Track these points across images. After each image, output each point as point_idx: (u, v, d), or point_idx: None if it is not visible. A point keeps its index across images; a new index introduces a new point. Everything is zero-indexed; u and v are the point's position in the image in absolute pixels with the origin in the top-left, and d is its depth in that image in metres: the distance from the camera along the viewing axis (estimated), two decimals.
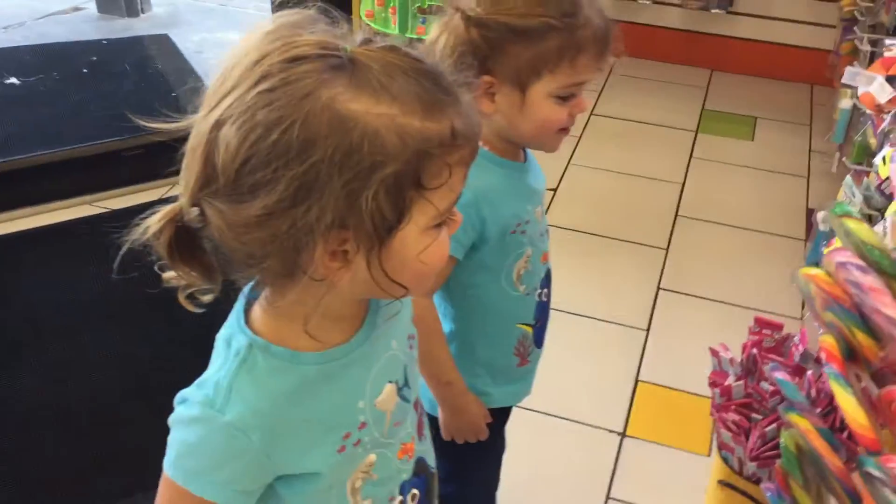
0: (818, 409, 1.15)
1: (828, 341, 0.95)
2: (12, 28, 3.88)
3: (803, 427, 1.00)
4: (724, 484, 1.36)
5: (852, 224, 0.90)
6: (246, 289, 0.79)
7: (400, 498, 0.88)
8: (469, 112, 0.73)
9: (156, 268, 0.73)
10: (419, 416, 0.91)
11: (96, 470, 1.78)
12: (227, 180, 0.66)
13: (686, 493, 1.71)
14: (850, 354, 0.97)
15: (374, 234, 0.68)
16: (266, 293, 0.77)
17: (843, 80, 1.11)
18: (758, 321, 1.40)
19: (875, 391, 0.94)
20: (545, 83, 1.04)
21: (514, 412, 1.36)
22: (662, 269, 2.42)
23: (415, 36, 2.39)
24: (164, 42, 3.63)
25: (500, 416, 1.31)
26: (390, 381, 0.84)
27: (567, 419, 1.94)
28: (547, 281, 1.25)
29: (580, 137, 3.01)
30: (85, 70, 3.30)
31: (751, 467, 1.28)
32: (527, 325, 1.23)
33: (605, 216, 2.62)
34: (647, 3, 3.36)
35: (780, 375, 1.04)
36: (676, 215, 2.64)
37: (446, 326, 1.21)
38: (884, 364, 1.00)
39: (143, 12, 4.11)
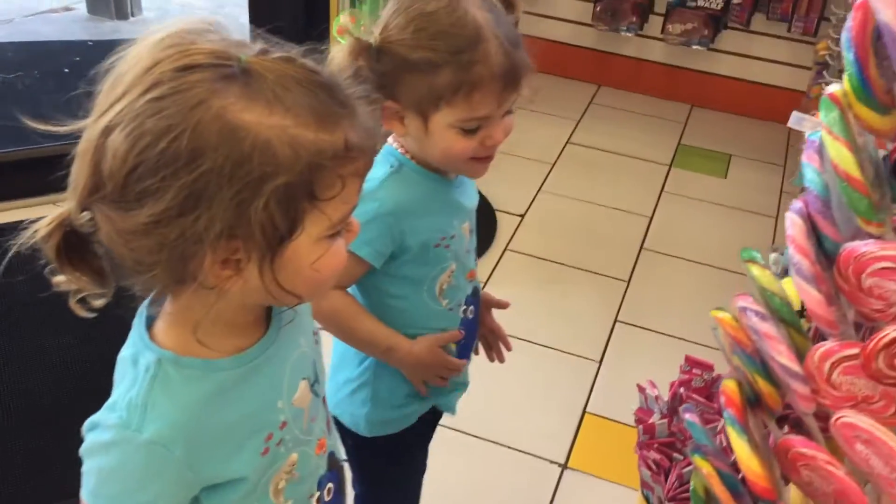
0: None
1: (729, 386, 0.94)
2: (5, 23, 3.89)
3: (706, 471, 0.99)
4: None
5: (755, 270, 0.90)
6: (144, 305, 0.79)
7: (318, 493, 0.90)
8: (364, 125, 0.74)
9: (46, 272, 0.73)
10: (326, 410, 0.92)
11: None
12: (115, 187, 0.66)
13: None
14: (756, 400, 0.97)
15: (265, 245, 0.68)
16: (166, 305, 0.77)
17: (790, 124, 1.10)
18: (688, 360, 1.39)
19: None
20: (444, 115, 1.04)
21: (456, 437, 1.35)
22: (621, 302, 2.41)
23: None
24: None
25: (421, 431, 1.30)
26: (303, 378, 0.85)
27: (509, 447, 1.93)
28: (474, 299, 1.25)
29: (553, 165, 3.01)
30: (66, 70, 3.29)
31: None
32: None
33: (570, 245, 2.62)
34: (630, 35, 3.37)
35: (689, 417, 1.03)
36: (641, 248, 2.64)
37: None
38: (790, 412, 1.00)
39: (132, 15, 4.12)
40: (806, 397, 0.85)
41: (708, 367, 1.38)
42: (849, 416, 0.80)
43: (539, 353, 2.20)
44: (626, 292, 2.45)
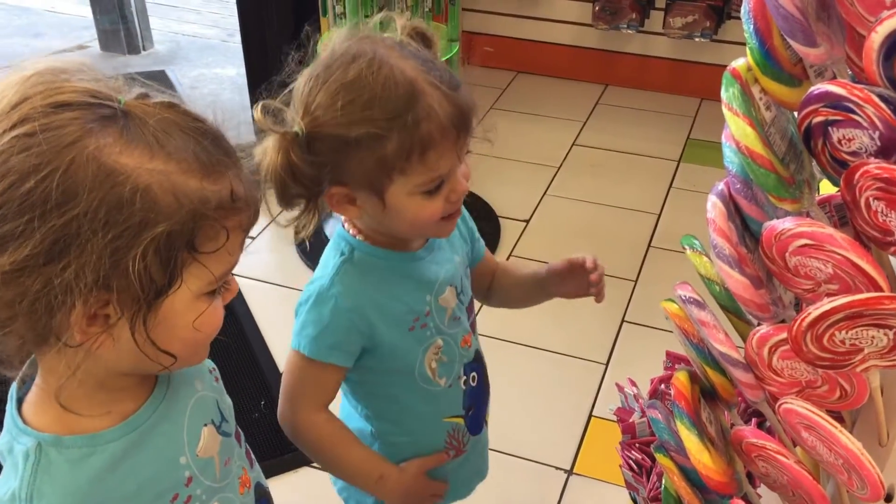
0: None
1: (680, 378, 0.92)
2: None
3: (667, 466, 0.96)
4: None
5: (693, 257, 0.87)
6: (13, 388, 0.74)
7: None
8: (248, 178, 0.71)
9: None
10: (243, 444, 0.89)
11: None
12: None
13: None
14: (714, 392, 0.94)
15: (140, 297, 0.64)
16: (37, 381, 0.72)
17: None
18: (669, 355, 1.36)
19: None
20: (401, 184, 0.94)
21: None
22: (629, 302, 2.37)
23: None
24: (160, 78, 3.70)
25: None
26: (206, 424, 0.81)
27: (513, 455, 1.90)
28: (475, 365, 1.16)
29: (559, 168, 2.98)
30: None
31: None
32: (456, 416, 1.15)
33: (575, 247, 2.53)
34: (632, 32, 3.33)
35: (651, 413, 1.01)
36: (649, 246, 2.60)
37: (365, 426, 1.15)
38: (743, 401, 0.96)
39: (144, 49, 4.19)
40: (750, 385, 0.82)
41: (687, 363, 1.34)
42: (789, 403, 0.77)
43: (545, 358, 2.17)
44: (633, 292, 2.41)
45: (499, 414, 1.98)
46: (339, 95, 0.90)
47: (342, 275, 1.02)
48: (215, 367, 0.88)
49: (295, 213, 0.97)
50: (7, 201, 0.60)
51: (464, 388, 1.14)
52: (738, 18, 3.18)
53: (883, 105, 0.61)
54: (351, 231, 1.04)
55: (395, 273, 1.05)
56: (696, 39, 3.23)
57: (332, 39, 0.96)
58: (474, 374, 1.16)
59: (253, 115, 0.89)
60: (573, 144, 3.14)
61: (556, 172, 2.96)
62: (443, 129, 0.92)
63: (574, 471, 1.87)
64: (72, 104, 0.63)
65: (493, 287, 1.26)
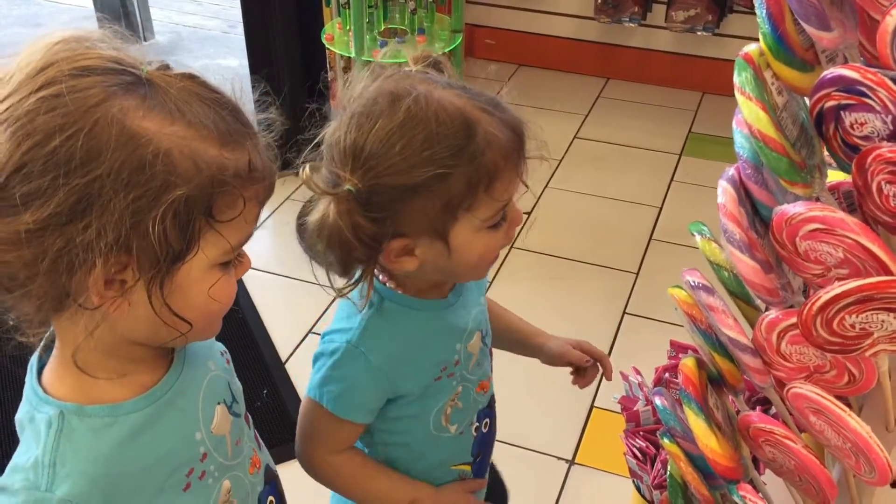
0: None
1: (687, 364, 0.92)
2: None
3: (673, 452, 0.97)
4: None
5: (702, 243, 0.88)
6: (34, 357, 0.75)
7: None
8: (265, 151, 0.72)
9: None
10: (251, 427, 0.90)
11: None
12: None
13: None
14: (720, 378, 0.94)
15: (159, 261, 0.65)
16: (55, 350, 0.73)
17: None
18: (673, 345, 1.37)
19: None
20: (466, 222, 0.87)
21: None
22: (630, 294, 2.38)
23: (371, 59, 2.40)
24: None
25: None
26: (219, 403, 0.82)
27: (515, 445, 1.91)
28: (489, 411, 1.12)
29: (560, 161, 2.99)
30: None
31: (656, 496, 1.24)
32: (464, 464, 1.11)
33: (577, 240, 2.59)
34: (634, 26, 3.33)
35: (657, 400, 1.01)
36: (651, 239, 2.61)
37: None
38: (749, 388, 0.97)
39: (145, 40, 4.19)
40: (758, 370, 0.82)
41: (694, 351, 1.35)
42: (798, 387, 0.77)
43: None
44: (634, 284, 2.42)
45: (502, 405, 1.99)
46: (393, 140, 0.82)
47: (372, 330, 0.95)
48: (226, 350, 0.88)
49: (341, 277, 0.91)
50: (32, 160, 0.61)
51: (475, 434, 1.09)
52: (741, 12, 3.19)
53: None
54: (381, 278, 0.97)
55: (428, 323, 0.98)
56: (699, 33, 3.23)
57: (354, 86, 0.89)
58: (487, 420, 1.11)
59: (302, 177, 0.84)
60: (574, 137, 3.14)
61: (558, 165, 2.97)
62: (506, 155, 0.87)
63: (576, 461, 1.88)
64: (96, 69, 0.64)
65: None
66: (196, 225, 0.66)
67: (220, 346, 0.87)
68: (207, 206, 0.66)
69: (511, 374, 2.07)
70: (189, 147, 0.65)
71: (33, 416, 0.71)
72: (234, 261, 0.73)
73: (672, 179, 2.91)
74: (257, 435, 0.91)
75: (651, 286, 2.41)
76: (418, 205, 0.85)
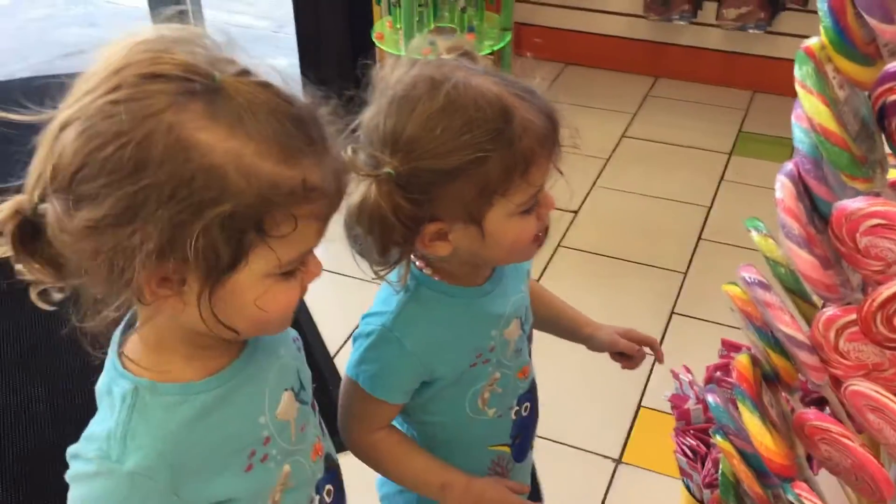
0: None
1: (741, 362, 0.92)
2: (72, 55, 4.08)
3: (727, 450, 0.96)
4: None
5: (758, 239, 0.87)
6: (117, 332, 0.78)
7: (318, 497, 0.90)
8: (333, 166, 0.71)
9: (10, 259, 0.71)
10: (317, 414, 0.91)
11: None
12: (62, 184, 0.65)
13: None
14: (775, 376, 0.94)
15: (205, 272, 0.66)
16: (136, 327, 0.76)
17: None
18: (724, 343, 1.36)
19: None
20: (501, 207, 0.89)
21: None
22: (678, 294, 2.36)
23: (421, 57, 2.41)
24: None
25: None
26: (286, 389, 0.84)
27: (562, 443, 1.91)
28: (529, 395, 1.13)
29: (608, 160, 2.97)
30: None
31: (706, 495, 1.23)
32: (502, 445, 1.12)
33: (625, 239, 2.58)
34: (684, 24, 3.30)
35: (710, 398, 1.01)
36: (700, 239, 2.58)
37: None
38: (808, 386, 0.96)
39: None
40: (815, 367, 0.82)
41: (747, 349, 1.34)
42: (857, 385, 0.77)
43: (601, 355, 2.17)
44: (682, 284, 2.39)
45: (548, 403, 1.98)
46: (432, 124, 0.85)
47: (406, 315, 0.97)
48: (299, 336, 0.90)
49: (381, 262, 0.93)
50: (90, 162, 0.64)
51: (514, 418, 1.11)
52: (793, 10, 3.13)
53: None
54: (417, 264, 0.99)
55: (463, 310, 1.00)
56: (750, 31, 3.19)
57: (391, 72, 0.91)
58: (528, 404, 1.13)
59: (345, 160, 0.83)
60: (622, 136, 3.12)
61: (606, 164, 2.95)
62: (541, 141, 0.89)
63: (623, 460, 1.87)
64: (165, 76, 0.64)
65: None
66: (245, 239, 0.66)
67: (294, 333, 0.90)
68: (258, 221, 0.66)
69: (557, 373, 2.07)
70: (242, 162, 0.64)
71: (111, 388, 0.75)
72: (298, 269, 0.73)
73: (722, 179, 2.87)
74: (322, 422, 0.93)
75: (699, 286, 2.39)
76: (455, 189, 0.87)
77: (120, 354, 0.76)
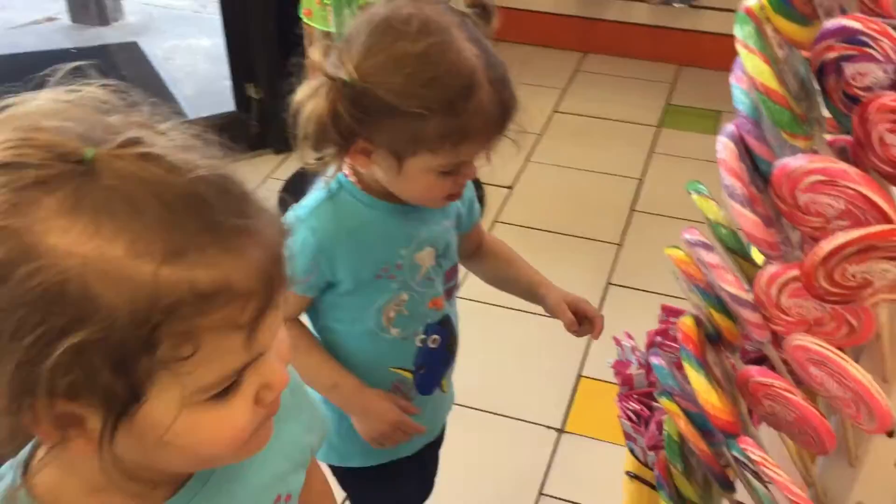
0: None
1: (686, 323, 0.93)
2: None
3: (672, 411, 0.98)
4: (631, 475, 1.34)
5: (699, 201, 0.88)
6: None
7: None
8: (258, 254, 0.54)
9: None
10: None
11: None
12: None
13: (618, 488, 1.69)
14: (718, 336, 0.95)
15: (102, 409, 0.51)
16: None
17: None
18: (664, 309, 1.38)
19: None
20: (423, 159, 0.96)
21: (453, 409, 1.30)
22: (613, 265, 2.39)
23: None
24: (133, 50, 3.65)
25: (406, 464, 1.21)
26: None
27: (504, 416, 1.93)
28: (441, 328, 1.15)
29: (541, 135, 2.99)
30: (51, 79, 3.31)
31: (651, 457, 1.26)
32: (404, 369, 1.14)
33: (560, 213, 2.60)
34: None
35: (654, 360, 1.02)
36: (633, 211, 2.62)
37: None
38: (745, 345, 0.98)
39: (115, 20, 4.12)
40: (758, 325, 0.83)
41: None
42: (800, 339, 0.79)
43: (532, 321, 2.17)
44: (617, 255, 2.43)
45: (488, 376, 2.01)
46: (403, 64, 0.91)
47: (320, 210, 1.04)
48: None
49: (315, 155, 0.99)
50: None
51: (419, 345, 1.13)
52: None
53: None
54: (346, 171, 1.05)
55: (374, 221, 1.05)
56: (675, 5, 3.24)
57: None
58: (437, 336, 1.15)
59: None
60: (554, 111, 3.15)
61: (538, 139, 2.97)
62: (484, 127, 0.96)
63: (565, 429, 1.90)
64: (19, 164, 0.50)
65: (477, 260, 1.28)
66: (136, 367, 0.50)
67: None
68: (145, 343, 0.50)
69: (497, 346, 2.09)
70: (109, 267, 0.49)
71: None
72: (242, 385, 0.56)
73: (652, 151, 2.92)
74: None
75: (634, 257, 2.43)
76: (393, 125, 0.93)
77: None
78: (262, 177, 2.62)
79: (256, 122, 2.76)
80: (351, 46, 0.93)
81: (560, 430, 1.90)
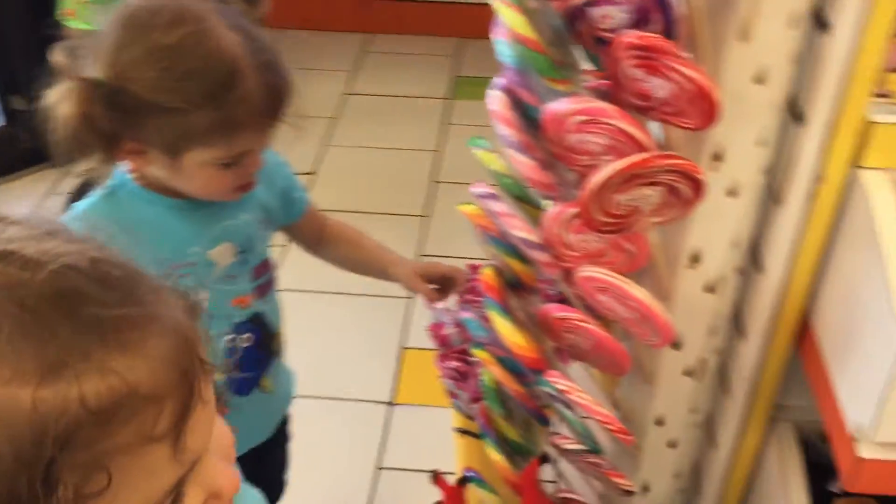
0: None
1: (486, 273, 0.98)
2: None
3: (485, 359, 1.02)
4: (460, 431, 1.39)
5: (482, 155, 0.92)
6: None
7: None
8: (162, 350, 0.44)
9: None
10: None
11: None
12: None
13: (452, 448, 1.74)
14: (518, 282, 1.00)
15: None
16: None
17: None
18: (470, 267, 1.43)
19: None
20: (198, 154, 0.93)
21: None
22: (424, 237, 2.45)
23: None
24: None
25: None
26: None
27: (335, 398, 1.93)
28: (252, 327, 1.11)
29: (336, 119, 2.99)
30: None
31: (474, 409, 1.31)
32: None
33: (366, 192, 2.63)
34: None
35: (463, 315, 1.06)
36: (435, 182, 2.69)
37: None
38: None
39: None
40: (549, 264, 0.89)
41: None
42: (586, 270, 0.84)
43: (348, 301, 2.20)
44: (427, 227, 2.49)
45: (313, 361, 2.01)
46: (156, 58, 0.87)
47: (93, 209, 0.99)
48: None
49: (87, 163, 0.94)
50: None
51: (228, 345, 1.10)
52: None
53: None
54: (128, 169, 1.00)
55: (156, 218, 1.00)
56: None
57: None
58: (250, 335, 1.12)
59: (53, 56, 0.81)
60: (345, 94, 3.15)
61: (335, 123, 2.97)
62: (255, 115, 0.92)
63: (395, 402, 1.93)
64: None
65: (324, 247, 1.28)
66: None
67: None
68: (44, 486, 0.40)
69: (318, 331, 2.09)
70: None
71: None
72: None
73: (447, 123, 3.00)
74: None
75: (442, 226, 2.49)
76: (158, 122, 0.89)
77: None
78: (42, 194, 2.46)
79: (28, 135, 2.58)
80: (101, 44, 0.88)
81: (390, 404, 1.93)
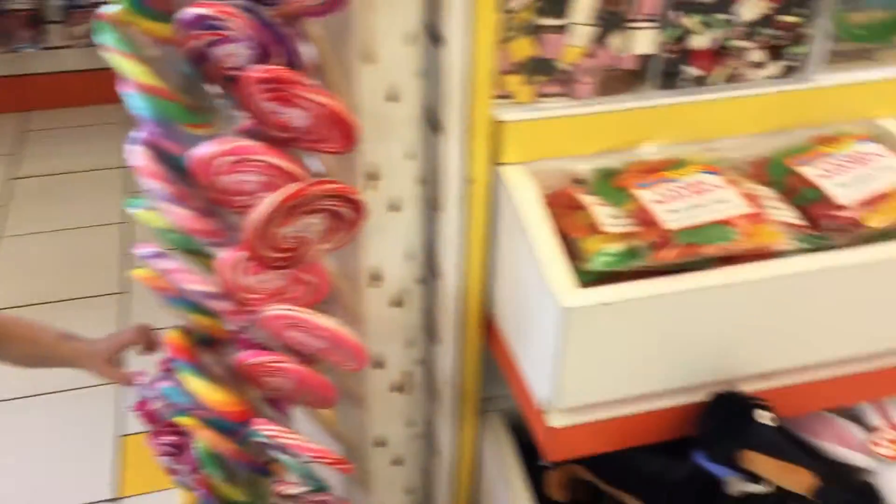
0: None
1: (171, 336, 0.93)
2: None
3: (192, 425, 0.97)
4: None
5: (142, 215, 0.88)
6: None
7: None
8: None
9: None
10: None
11: None
12: None
13: None
14: (210, 338, 0.96)
15: None
16: None
17: None
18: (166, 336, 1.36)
19: None
20: None
21: None
22: (124, 315, 2.30)
23: None
24: None
25: None
26: None
27: None
28: None
29: (5, 207, 2.73)
30: None
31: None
32: None
33: (51, 280, 2.42)
34: (34, 51, 3.15)
35: (163, 385, 1.00)
36: (128, 255, 2.54)
37: None
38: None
39: None
40: (232, 312, 0.86)
41: None
42: (268, 310, 0.83)
43: (48, 403, 2.01)
44: (128, 304, 2.34)
45: (17, 474, 1.80)
46: None
47: None
48: None
49: None
50: None
51: None
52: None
53: (247, 15, 0.68)
54: None
55: None
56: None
57: None
58: None
59: None
60: (11, 179, 2.89)
61: (3, 212, 2.70)
62: None
63: (122, 496, 1.78)
64: None
65: None
66: None
67: None
68: None
69: (19, 442, 1.88)
70: None
71: None
72: None
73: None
74: None
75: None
76: None
77: None
78: None
79: None
80: None
81: (115, 500, 1.77)
